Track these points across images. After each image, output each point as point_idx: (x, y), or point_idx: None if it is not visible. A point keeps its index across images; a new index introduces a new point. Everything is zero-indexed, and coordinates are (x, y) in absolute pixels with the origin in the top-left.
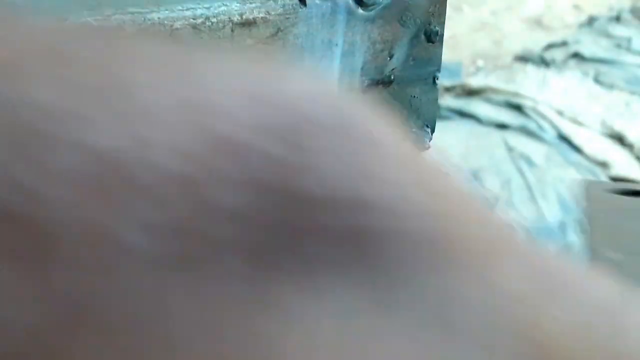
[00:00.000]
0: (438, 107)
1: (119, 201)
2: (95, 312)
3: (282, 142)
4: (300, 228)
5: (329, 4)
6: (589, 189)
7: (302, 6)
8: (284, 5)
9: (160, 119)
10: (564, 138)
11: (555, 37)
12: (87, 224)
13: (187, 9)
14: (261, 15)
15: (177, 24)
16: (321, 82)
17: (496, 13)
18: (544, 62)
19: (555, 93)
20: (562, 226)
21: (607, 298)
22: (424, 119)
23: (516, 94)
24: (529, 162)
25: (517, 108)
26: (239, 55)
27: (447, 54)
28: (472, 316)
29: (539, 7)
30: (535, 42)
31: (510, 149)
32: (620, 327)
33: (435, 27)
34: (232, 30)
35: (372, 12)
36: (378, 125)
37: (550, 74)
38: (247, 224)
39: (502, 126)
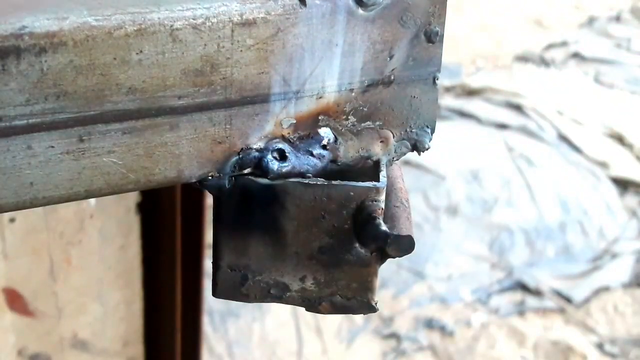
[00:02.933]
0: (438, 107)
1: None
2: None
3: None
4: None
5: (329, 4)
6: None
7: (302, 6)
8: (284, 5)
9: None
10: (564, 138)
11: (555, 37)
12: None
13: (187, 9)
14: (261, 15)
15: (177, 24)
16: None
17: (496, 13)
18: (544, 62)
19: (555, 93)
20: (562, 226)
21: None
22: (424, 119)
23: (516, 94)
24: (529, 162)
25: (517, 108)
26: None
27: (447, 54)
28: None
29: (539, 7)
30: (535, 42)
31: (510, 149)
32: None
33: (435, 27)
34: (232, 30)
35: (372, 12)
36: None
37: (550, 74)
38: None
39: (502, 126)
